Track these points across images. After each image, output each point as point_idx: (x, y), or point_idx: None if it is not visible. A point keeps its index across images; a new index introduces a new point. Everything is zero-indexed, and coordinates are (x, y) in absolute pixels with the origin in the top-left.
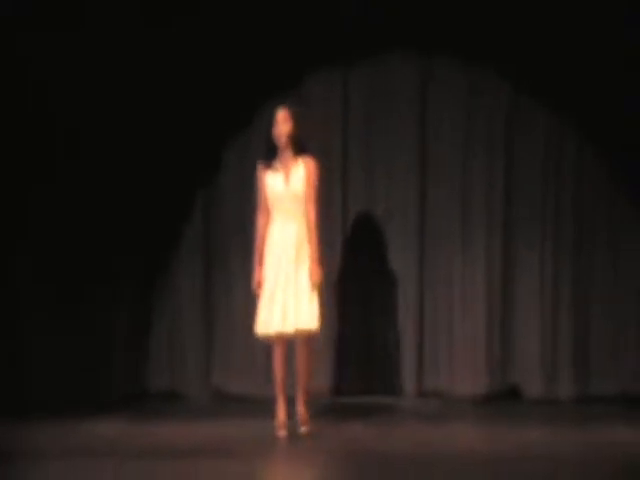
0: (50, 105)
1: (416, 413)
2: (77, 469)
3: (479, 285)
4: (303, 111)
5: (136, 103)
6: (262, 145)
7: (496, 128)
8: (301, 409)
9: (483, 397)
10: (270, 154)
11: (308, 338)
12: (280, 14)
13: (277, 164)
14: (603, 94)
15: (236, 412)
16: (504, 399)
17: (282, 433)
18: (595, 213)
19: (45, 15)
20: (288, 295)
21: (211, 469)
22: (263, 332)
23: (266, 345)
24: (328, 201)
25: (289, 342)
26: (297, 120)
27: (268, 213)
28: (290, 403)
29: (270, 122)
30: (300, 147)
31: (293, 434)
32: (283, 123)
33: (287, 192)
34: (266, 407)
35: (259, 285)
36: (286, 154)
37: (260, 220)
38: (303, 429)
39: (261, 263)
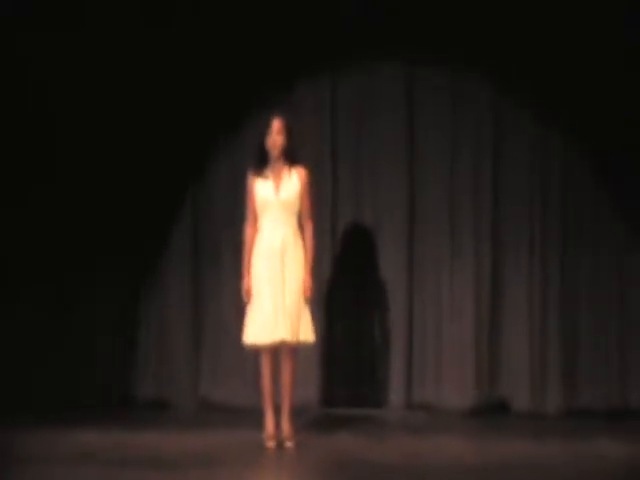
0: (50, 105)
1: (404, 425)
2: (62, 478)
3: (467, 297)
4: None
5: (130, 103)
6: (253, 148)
7: (483, 132)
8: (286, 425)
9: (471, 410)
10: (261, 162)
11: (294, 349)
12: (271, 20)
13: (268, 172)
14: (588, 96)
15: (224, 422)
16: (492, 412)
17: (271, 444)
18: (582, 214)
19: (45, 15)
20: (277, 305)
21: (198, 479)
22: (252, 342)
23: (254, 355)
24: (317, 207)
25: (276, 353)
26: (291, 131)
27: (256, 223)
28: (277, 412)
29: (263, 129)
30: (292, 157)
31: (281, 445)
32: (277, 134)
33: (276, 201)
34: (254, 417)
35: (248, 294)
36: (278, 163)
37: (248, 230)
38: (288, 444)
39: (249, 272)
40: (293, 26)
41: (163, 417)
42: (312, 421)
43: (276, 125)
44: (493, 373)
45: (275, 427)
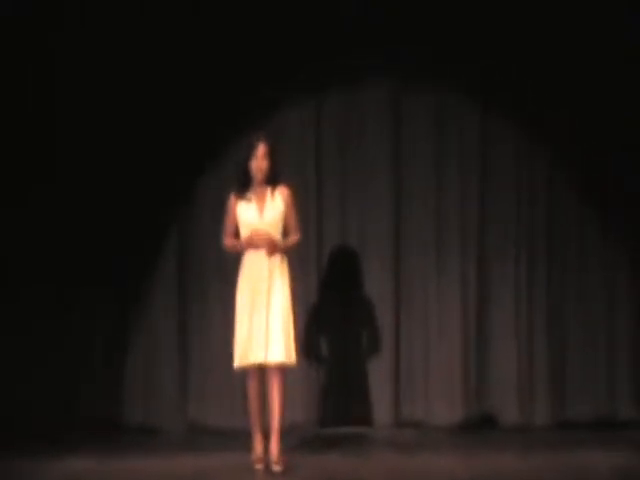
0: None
1: (393, 443)
2: None
3: (454, 314)
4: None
5: (123, 115)
6: (237, 175)
7: (469, 147)
8: (275, 448)
9: (459, 426)
10: (244, 185)
11: (281, 371)
12: (254, 39)
13: (250, 195)
14: (574, 110)
15: (213, 445)
16: (480, 427)
17: (259, 467)
18: (568, 230)
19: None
20: (260, 326)
21: None
22: (236, 364)
23: (243, 377)
24: (302, 224)
25: (262, 376)
26: (275, 155)
27: (232, 237)
28: (267, 435)
29: (246, 153)
30: (275, 180)
31: (269, 469)
32: (262, 159)
33: (261, 224)
34: (243, 440)
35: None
36: (261, 186)
37: (227, 240)
38: (277, 468)
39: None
40: (275, 43)
41: (151, 441)
42: (301, 440)
43: (261, 150)
44: (481, 388)
45: (263, 450)
